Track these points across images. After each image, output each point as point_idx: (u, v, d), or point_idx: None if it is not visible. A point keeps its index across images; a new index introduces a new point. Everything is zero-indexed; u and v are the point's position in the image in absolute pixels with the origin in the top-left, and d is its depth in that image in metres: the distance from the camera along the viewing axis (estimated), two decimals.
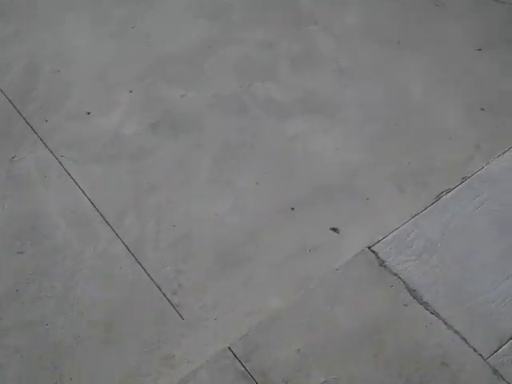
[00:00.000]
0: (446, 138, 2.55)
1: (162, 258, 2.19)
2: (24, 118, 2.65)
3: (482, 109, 2.65)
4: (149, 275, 2.15)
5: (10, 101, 2.72)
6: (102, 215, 2.30)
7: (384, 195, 2.32)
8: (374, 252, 1.99)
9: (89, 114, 2.65)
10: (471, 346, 1.79)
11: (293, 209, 2.31)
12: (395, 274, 1.93)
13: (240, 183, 2.38)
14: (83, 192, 2.36)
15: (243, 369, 1.80)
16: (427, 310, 1.86)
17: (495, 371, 1.75)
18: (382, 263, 1.95)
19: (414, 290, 1.90)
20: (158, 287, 2.12)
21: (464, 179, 2.21)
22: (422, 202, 2.24)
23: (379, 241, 2.03)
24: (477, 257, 1.97)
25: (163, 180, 2.40)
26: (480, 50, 2.91)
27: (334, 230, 2.25)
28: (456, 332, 1.81)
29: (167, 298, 2.10)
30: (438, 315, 1.84)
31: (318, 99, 2.70)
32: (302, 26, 3.04)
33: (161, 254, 2.21)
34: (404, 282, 1.91)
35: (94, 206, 2.31)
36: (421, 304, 1.86)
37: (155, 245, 2.22)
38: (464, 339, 1.80)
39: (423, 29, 3.00)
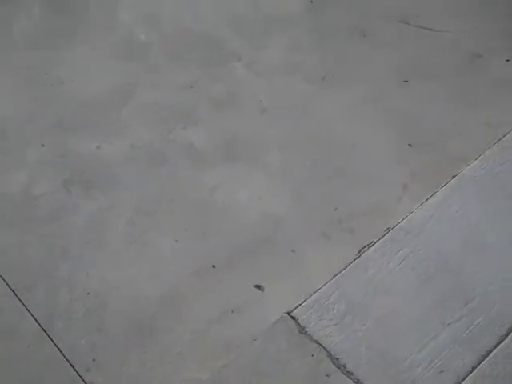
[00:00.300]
0: (373, 178, 2.46)
1: (76, 331, 2.05)
2: None
3: (410, 145, 2.57)
4: (61, 351, 2.01)
5: None
6: (9, 287, 2.14)
7: (310, 246, 2.22)
8: (293, 318, 1.88)
9: None
10: None
11: (214, 266, 2.19)
12: (316, 342, 1.82)
13: (158, 243, 2.25)
14: None
15: None
16: (351, 379, 1.75)
17: None
18: (302, 330, 1.84)
19: (337, 358, 1.80)
20: (71, 364, 1.98)
21: (387, 230, 2.11)
22: (346, 255, 2.13)
23: (300, 304, 1.92)
24: (401, 316, 1.87)
25: (77, 243, 2.26)
26: (407, 81, 2.82)
27: (258, 287, 2.14)
28: None
29: (80, 376, 1.95)
30: None
31: (241, 144, 2.58)
32: (225, 63, 2.92)
33: (74, 326, 2.07)
34: (326, 350, 1.81)
35: (1, 277, 2.15)
36: (344, 374, 1.75)
37: (68, 316, 2.08)
38: None
39: (349, 61, 2.92)
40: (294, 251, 2.22)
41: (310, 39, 3.00)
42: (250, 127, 2.65)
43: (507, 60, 2.84)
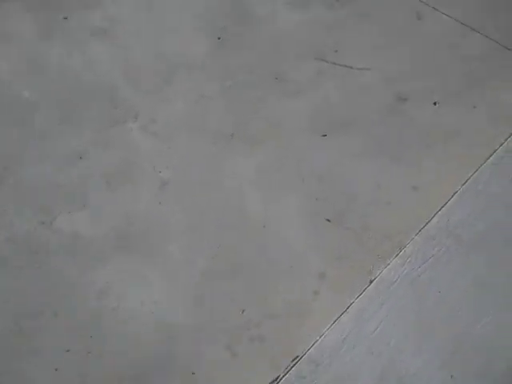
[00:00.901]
0: (285, 268, 2.15)
1: None
2: None
3: (328, 220, 2.24)
4: None
5: None
6: None
7: (212, 366, 1.90)
8: None
9: None
10: None
11: None
12: None
13: (34, 375, 1.89)
14: None
15: None
16: None
17: None
18: None
19: None
20: None
21: (296, 360, 1.79)
22: (256, 376, 1.82)
23: None
24: None
25: None
26: (325, 135, 2.48)
27: None
28: None
29: None
30: None
31: (135, 230, 2.23)
32: (120, 125, 2.54)
33: None
34: None
35: None
36: None
37: None
38: None
39: (261, 113, 2.57)
40: (194, 373, 1.90)
41: (217, 87, 2.62)
42: (146, 207, 2.30)
43: (434, 103, 2.52)
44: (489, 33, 2.72)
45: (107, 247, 2.21)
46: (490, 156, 2.15)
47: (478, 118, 2.49)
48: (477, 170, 2.14)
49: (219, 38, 2.80)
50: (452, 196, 2.10)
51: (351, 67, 2.67)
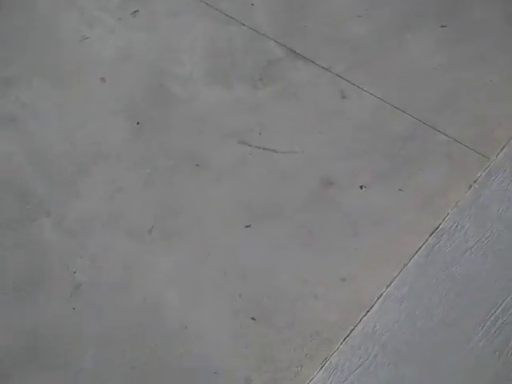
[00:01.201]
0: (211, 374, 1.99)
1: None
2: None
3: (253, 318, 2.10)
4: None
5: None
6: None
7: None
8: None
9: None
10: None
11: None
12: None
13: None
14: None
15: None
16: None
17: None
18: None
19: None
20: None
21: None
22: None
23: None
24: None
25: None
26: (249, 226, 2.35)
27: None
28: None
29: None
30: None
31: (44, 342, 2.08)
32: (30, 222, 2.38)
33: None
34: None
35: None
36: None
37: None
38: None
39: (181, 204, 2.44)
40: None
41: (135, 177, 2.48)
42: (58, 314, 2.11)
43: (361, 187, 2.43)
44: (413, 111, 2.67)
45: (12, 364, 2.01)
46: (419, 249, 2.06)
47: (406, 203, 2.41)
48: (405, 266, 2.04)
49: (138, 123, 2.68)
50: (379, 297, 1.99)
51: (275, 151, 2.58)
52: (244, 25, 3.03)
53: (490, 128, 2.64)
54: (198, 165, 2.57)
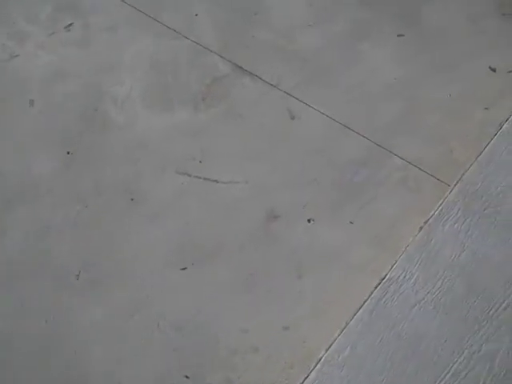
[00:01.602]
0: None
1: None
2: None
3: (187, 376, 1.91)
4: None
5: None
6: None
7: None
8: None
9: None
10: None
11: None
12: None
13: None
14: None
15: None
16: None
17: None
18: None
19: None
20: None
21: None
22: None
23: None
24: None
25: None
26: (185, 268, 2.16)
27: None
28: None
29: None
30: None
31: None
32: None
33: None
34: None
35: None
36: None
37: None
38: None
39: (111, 246, 2.23)
40: None
41: (63, 215, 2.27)
42: None
43: (309, 220, 2.22)
44: (367, 132, 2.46)
45: None
46: (364, 302, 1.86)
47: (356, 238, 2.22)
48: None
49: (69, 153, 2.45)
50: (318, 362, 1.79)
51: (216, 181, 2.36)
52: (187, 38, 2.80)
53: (449, 149, 2.44)
54: (132, 199, 2.35)
